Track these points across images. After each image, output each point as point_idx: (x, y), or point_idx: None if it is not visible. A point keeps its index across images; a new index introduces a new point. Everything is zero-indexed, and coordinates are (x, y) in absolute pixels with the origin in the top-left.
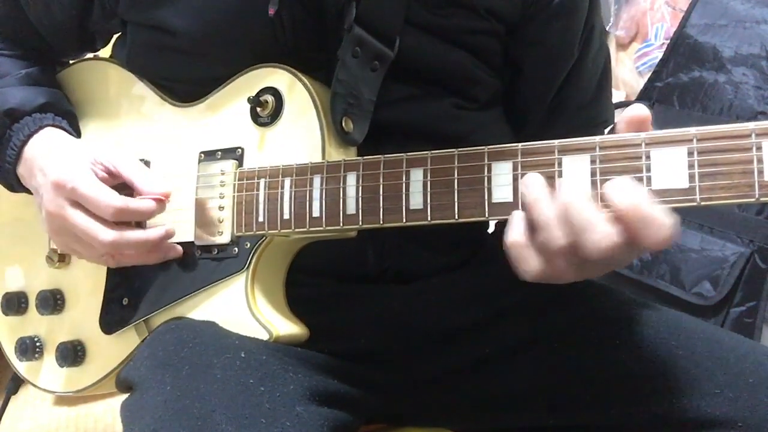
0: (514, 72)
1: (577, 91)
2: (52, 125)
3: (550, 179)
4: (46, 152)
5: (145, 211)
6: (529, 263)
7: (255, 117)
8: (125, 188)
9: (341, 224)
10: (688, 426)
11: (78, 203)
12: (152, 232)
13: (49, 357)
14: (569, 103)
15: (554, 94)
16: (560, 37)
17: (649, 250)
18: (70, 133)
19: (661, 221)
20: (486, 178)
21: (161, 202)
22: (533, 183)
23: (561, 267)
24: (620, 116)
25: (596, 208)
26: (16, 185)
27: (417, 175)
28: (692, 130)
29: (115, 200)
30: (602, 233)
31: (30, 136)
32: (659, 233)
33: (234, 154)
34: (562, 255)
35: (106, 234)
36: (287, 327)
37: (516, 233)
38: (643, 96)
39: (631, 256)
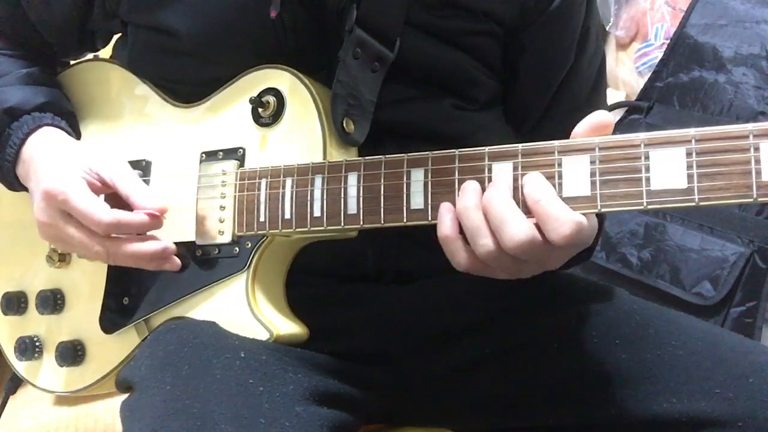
0: (510, 76)
1: (571, 92)
2: (51, 125)
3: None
4: (43, 154)
5: (138, 226)
6: (459, 255)
7: (256, 117)
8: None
9: (342, 224)
10: (688, 425)
11: (69, 215)
12: (148, 245)
13: (49, 357)
14: (562, 105)
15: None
16: (556, 44)
17: (558, 246)
18: (69, 134)
19: (560, 219)
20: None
21: (156, 218)
22: (465, 189)
23: (489, 262)
24: (583, 121)
25: (514, 206)
26: (16, 184)
27: (418, 176)
28: (691, 131)
29: (106, 215)
30: (517, 227)
31: (28, 134)
32: (559, 230)
33: (235, 154)
34: (486, 250)
35: (99, 246)
36: (288, 327)
37: (445, 227)
38: (643, 96)
39: (556, 255)
